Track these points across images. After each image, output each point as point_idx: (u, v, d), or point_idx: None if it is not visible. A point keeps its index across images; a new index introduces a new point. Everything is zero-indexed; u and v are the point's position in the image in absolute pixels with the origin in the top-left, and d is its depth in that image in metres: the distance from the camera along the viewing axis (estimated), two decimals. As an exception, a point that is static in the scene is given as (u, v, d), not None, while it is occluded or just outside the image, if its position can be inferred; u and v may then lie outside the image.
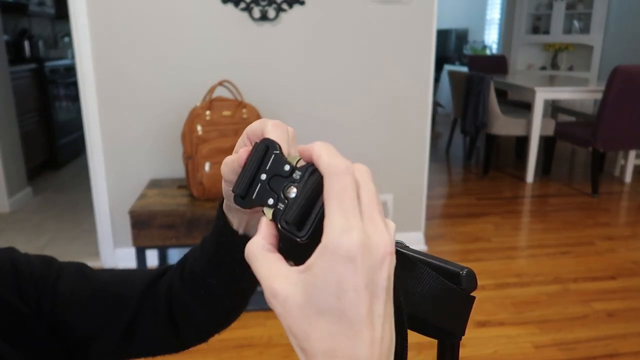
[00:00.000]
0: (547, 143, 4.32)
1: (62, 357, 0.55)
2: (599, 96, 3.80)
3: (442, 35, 7.44)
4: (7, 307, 0.51)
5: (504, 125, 4.17)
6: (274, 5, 2.40)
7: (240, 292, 0.56)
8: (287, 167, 0.35)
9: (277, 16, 2.41)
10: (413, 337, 0.40)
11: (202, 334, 0.60)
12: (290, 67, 2.50)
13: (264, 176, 0.35)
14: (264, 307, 2.16)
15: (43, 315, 0.54)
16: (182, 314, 0.57)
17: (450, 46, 7.74)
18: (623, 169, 4.20)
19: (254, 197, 0.35)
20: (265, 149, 0.36)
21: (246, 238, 0.50)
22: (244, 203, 0.36)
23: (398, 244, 0.45)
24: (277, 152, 0.36)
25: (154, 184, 2.39)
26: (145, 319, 0.57)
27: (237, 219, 0.50)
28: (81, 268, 0.59)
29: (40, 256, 0.58)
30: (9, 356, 0.49)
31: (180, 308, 0.57)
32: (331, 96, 2.56)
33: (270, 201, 0.34)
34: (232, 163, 0.40)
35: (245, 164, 0.36)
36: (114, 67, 2.36)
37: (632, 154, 4.09)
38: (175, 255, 2.57)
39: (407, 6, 2.49)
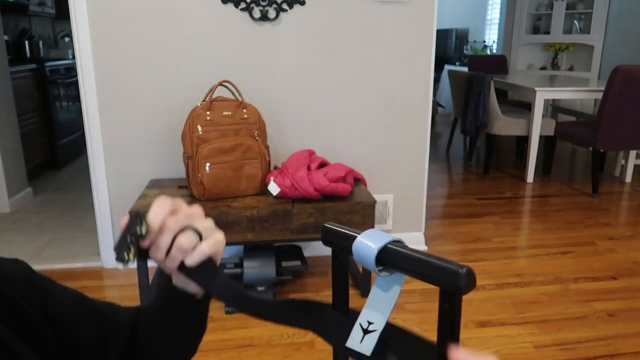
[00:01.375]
0: (547, 143, 4.32)
1: None
2: (599, 96, 3.80)
3: (442, 35, 7.44)
4: (23, 313, 0.52)
5: (504, 125, 4.17)
6: (274, 5, 2.40)
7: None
8: (139, 230, 0.48)
9: (277, 16, 2.42)
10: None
11: None
12: (290, 67, 2.50)
13: (129, 238, 0.47)
14: (264, 307, 2.16)
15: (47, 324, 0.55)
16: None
17: (450, 46, 7.74)
18: (623, 169, 4.20)
19: (118, 255, 0.47)
20: (136, 217, 0.48)
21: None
22: (118, 261, 0.47)
23: (397, 242, 0.45)
24: (140, 219, 0.48)
25: (155, 184, 2.39)
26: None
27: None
28: (78, 294, 0.63)
29: (46, 276, 0.61)
30: (27, 356, 0.50)
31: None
32: (331, 96, 2.56)
33: (125, 254, 0.47)
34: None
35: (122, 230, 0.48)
36: (114, 67, 2.36)
37: (633, 154, 4.09)
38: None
39: (407, 6, 2.49)
